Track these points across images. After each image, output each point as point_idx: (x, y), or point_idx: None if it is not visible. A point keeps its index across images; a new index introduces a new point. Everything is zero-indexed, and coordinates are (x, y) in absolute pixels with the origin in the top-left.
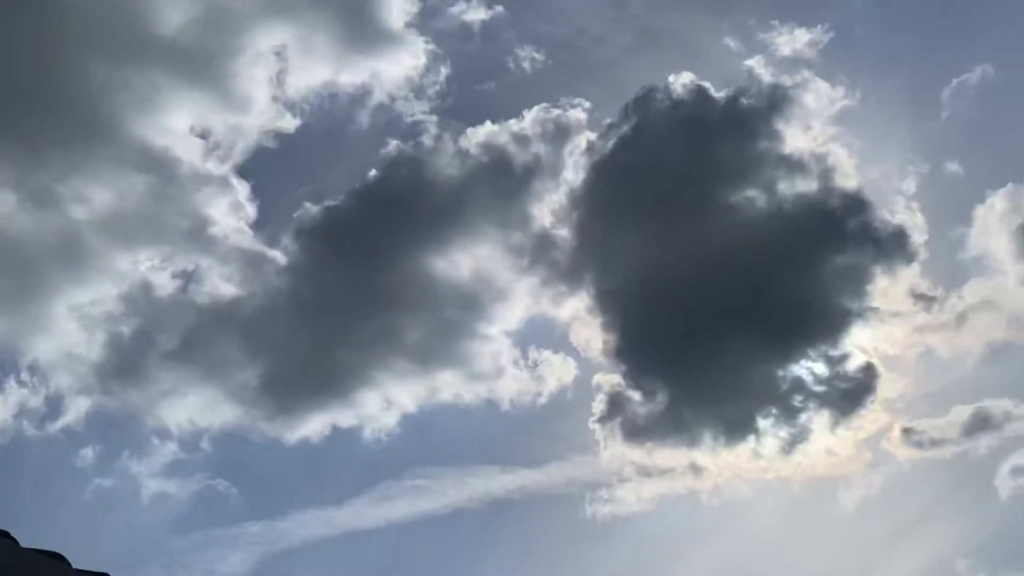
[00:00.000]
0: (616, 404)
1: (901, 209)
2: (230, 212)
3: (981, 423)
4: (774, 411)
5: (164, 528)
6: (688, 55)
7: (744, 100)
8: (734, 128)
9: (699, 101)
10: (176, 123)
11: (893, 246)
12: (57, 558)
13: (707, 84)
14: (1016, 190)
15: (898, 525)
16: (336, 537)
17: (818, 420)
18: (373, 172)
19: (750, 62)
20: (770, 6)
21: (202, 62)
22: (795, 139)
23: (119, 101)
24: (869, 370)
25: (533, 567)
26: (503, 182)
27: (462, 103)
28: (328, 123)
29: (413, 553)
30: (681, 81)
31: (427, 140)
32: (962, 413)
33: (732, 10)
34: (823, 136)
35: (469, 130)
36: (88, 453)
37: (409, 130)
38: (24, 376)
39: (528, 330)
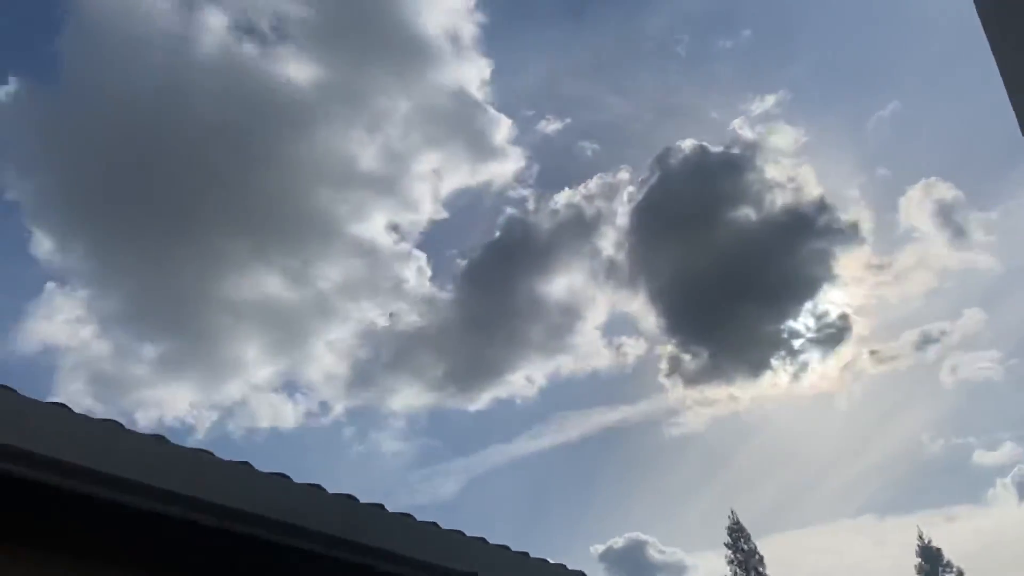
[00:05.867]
0: None
1: None
2: (416, 272)
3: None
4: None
5: (402, 468)
6: (691, 122)
7: (734, 151)
8: (726, 170)
9: (700, 157)
10: (377, 222)
11: None
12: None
13: (705, 143)
14: None
15: None
16: (508, 464)
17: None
18: (497, 234)
19: (735, 122)
20: (740, 78)
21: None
22: (771, 170)
23: (340, 212)
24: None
25: None
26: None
27: (548, 175)
28: (465, 211)
29: (555, 474)
30: (687, 144)
31: (530, 203)
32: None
33: (715, 80)
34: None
35: (558, 195)
36: (349, 431)
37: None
38: (302, 391)
39: None
